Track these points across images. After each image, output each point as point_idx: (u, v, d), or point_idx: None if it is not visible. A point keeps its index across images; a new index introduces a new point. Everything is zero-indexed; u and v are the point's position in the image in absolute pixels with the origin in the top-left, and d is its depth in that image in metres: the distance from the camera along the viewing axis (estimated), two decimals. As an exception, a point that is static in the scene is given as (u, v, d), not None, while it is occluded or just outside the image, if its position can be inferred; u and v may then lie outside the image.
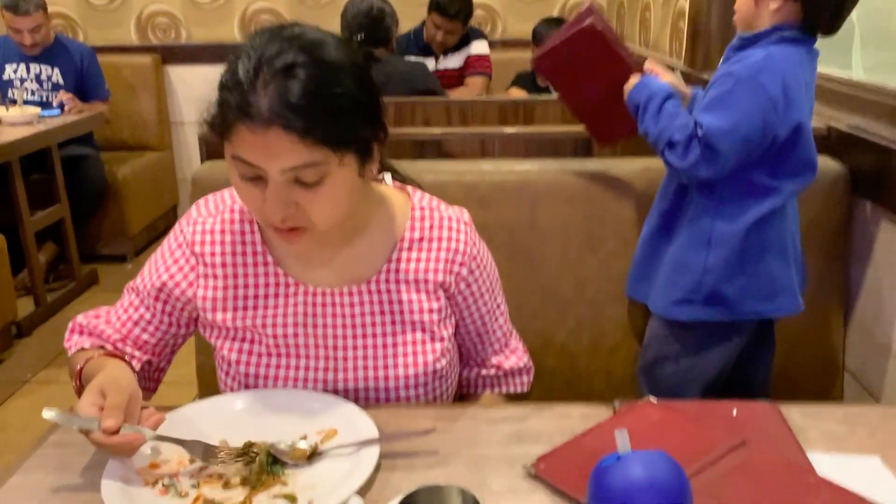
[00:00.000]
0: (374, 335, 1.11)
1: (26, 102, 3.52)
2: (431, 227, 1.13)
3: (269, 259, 1.11)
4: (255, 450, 0.94)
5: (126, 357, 1.08)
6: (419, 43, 3.71)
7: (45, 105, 3.58)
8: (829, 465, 0.92)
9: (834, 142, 1.67)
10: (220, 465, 0.92)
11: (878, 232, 1.57)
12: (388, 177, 1.21)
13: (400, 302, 1.11)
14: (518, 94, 3.55)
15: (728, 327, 1.44)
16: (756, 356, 1.52)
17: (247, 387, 1.11)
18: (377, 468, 0.91)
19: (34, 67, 3.66)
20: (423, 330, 1.12)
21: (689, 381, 1.46)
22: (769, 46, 1.33)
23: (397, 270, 1.11)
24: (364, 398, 1.11)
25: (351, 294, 1.10)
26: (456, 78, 3.73)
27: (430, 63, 3.62)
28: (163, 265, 1.12)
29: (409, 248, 1.12)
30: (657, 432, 0.99)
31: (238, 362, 1.11)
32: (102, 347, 1.09)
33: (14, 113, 3.31)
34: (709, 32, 2.55)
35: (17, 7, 3.44)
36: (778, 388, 1.58)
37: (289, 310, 1.10)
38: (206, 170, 1.55)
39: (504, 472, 0.93)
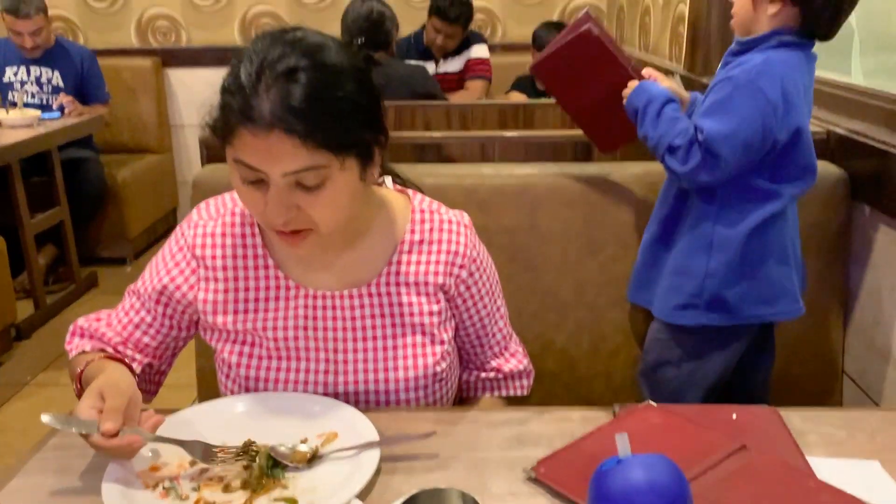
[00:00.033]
0: (375, 338, 1.11)
1: (26, 105, 3.52)
2: (431, 229, 1.13)
3: (270, 262, 1.11)
4: (255, 448, 0.94)
5: (127, 360, 1.08)
6: (419, 46, 3.72)
7: (45, 108, 3.58)
8: (829, 470, 0.92)
9: (833, 146, 1.67)
10: (219, 465, 0.93)
11: (877, 236, 1.57)
12: (388, 180, 1.21)
13: (400, 305, 1.12)
14: (518, 97, 3.56)
15: (729, 331, 1.44)
16: (756, 360, 1.52)
17: (247, 390, 1.11)
18: (377, 471, 0.91)
19: (34, 70, 3.66)
20: (424, 333, 1.12)
21: (690, 385, 1.46)
22: (767, 51, 1.33)
23: (397, 273, 1.12)
24: (364, 401, 1.11)
25: (351, 297, 1.11)
26: (456, 81, 3.74)
27: (431, 67, 3.63)
28: (164, 268, 1.12)
29: (410, 251, 1.12)
30: (657, 436, 0.99)
31: (238, 365, 1.11)
32: (103, 350, 1.09)
33: (14, 115, 3.32)
34: (708, 37, 2.56)
35: (17, 10, 3.45)
36: (777, 391, 1.58)
37: (289, 313, 1.10)
38: (207, 173, 1.55)
39: (504, 475, 0.93)
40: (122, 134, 4.21)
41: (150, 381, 1.18)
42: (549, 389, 1.55)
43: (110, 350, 1.11)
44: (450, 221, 1.15)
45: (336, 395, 1.09)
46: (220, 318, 1.11)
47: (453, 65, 3.74)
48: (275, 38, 0.95)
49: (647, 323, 1.55)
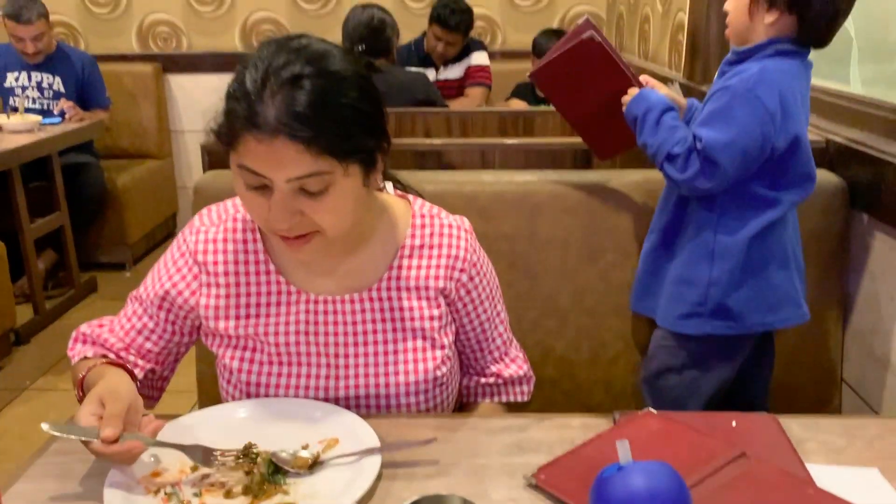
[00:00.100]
0: (376, 342, 1.12)
1: (27, 110, 3.53)
2: (432, 234, 1.14)
3: (271, 267, 1.11)
4: (255, 451, 0.95)
5: (129, 366, 1.08)
6: (420, 53, 3.73)
7: (46, 113, 3.59)
8: (828, 477, 0.92)
9: (832, 155, 1.68)
10: (220, 468, 0.93)
11: (875, 244, 1.58)
12: (389, 186, 1.22)
13: (401, 309, 1.12)
14: (518, 105, 3.57)
15: (734, 339, 1.44)
16: (756, 368, 1.53)
17: (248, 395, 1.11)
18: (378, 477, 0.92)
19: (35, 76, 3.67)
20: (424, 337, 1.13)
21: (692, 392, 1.47)
22: (764, 60, 1.34)
23: (398, 277, 1.12)
24: (365, 405, 1.12)
25: (352, 302, 1.11)
26: (456, 88, 3.75)
27: (431, 73, 3.64)
28: (165, 274, 1.13)
29: (410, 256, 1.13)
30: (657, 443, 1.00)
31: (240, 370, 1.11)
32: (105, 356, 1.10)
33: (15, 121, 3.32)
34: (707, 45, 2.57)
35: (19, 15, 3.45)
36: (776, 399, 1.58)
37: (290, 318, 1.10)
38: (209, 179, 1.56)
39: (504, 481, 0.93)
40: (122, 139, 4.21)
41: (152, 387, 1.18)
42: (548, 396, 1.56)
43: (112, 356, 1.11)
44: (450, 226, 1.15)
45: (337, 400, 1.10)
46: (221, 324, 1.11)
47: (453, 72, 3.76)
48: (280, 45, 0.96)
49: (647, 330, 1.55)
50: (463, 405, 1.29)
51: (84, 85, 3.76)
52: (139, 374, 1.11)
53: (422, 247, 1.14)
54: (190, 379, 1.50)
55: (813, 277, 1.52)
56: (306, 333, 1.11)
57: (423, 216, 1.15)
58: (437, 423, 1.07)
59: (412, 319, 1.12)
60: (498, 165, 1.87)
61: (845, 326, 1.66)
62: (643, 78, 1.50)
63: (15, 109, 3.49)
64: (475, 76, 3.74)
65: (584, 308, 1.59)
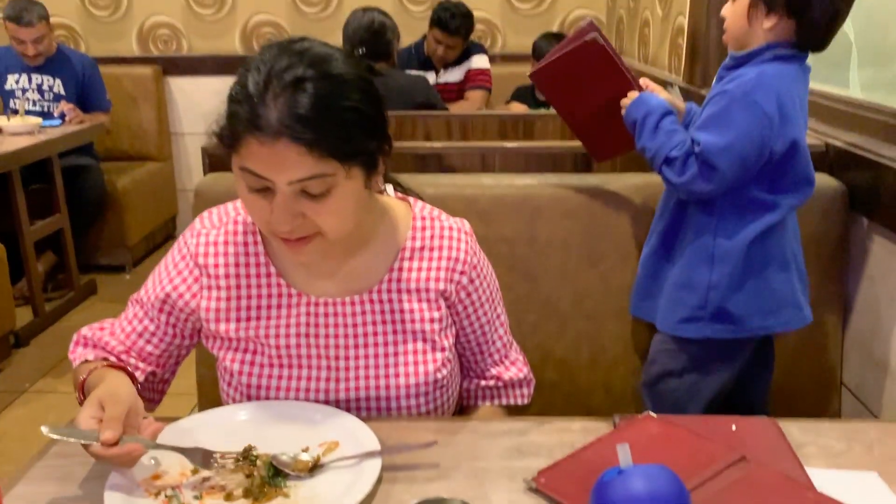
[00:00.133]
0: (376, 345, 1.12)
1: (28, 113, 3.53)
2: (432, 236, 1.14)
3: (272, 270, 1.12)
4: (255, 454, 0.95)
5: (130, 368, 1.08)
6: (420, 57, 3.73)
7: (46, 115, 3.59)
8: (828, 481, 0.92)
9: (832, 159, 1.69)
10: (220, 471, 0.93)
11: (875, 248, 1.58)
12: (389, 188, 1.22)
13: (401, 311, 1.12)
14: (519, 108, 3.57)
15: (734, 343, 1.45)
16: (756, 371, 1.53)
17: (249, 397, 1.11)
18: (379, 481, 0.92)
19: (36, 78, 3.67)
20: (425, 339, 1.13)
21: (692, 396, 1.47)
22: (762, 65, 1.34)
23: (399, 280, 1.12)
24: (366, 408, 1.12)
25: (353, 304, 1.11)
26: (456, 92, 3.75)
27: (431, 77, 3.65)
28: (166, 277, 1.13)
29: (411, 258, 1.13)
30: (657, 447, 1.00)
31: (240, 373, 1.11)
32: (106, 359, 1.10)
33: (15, 123, 3.32)
34: (707, 49, 2.57)
35: (20, 18, 3.46)
36: (776, 403, 1.58)
37: (291, 320, 1.11)
38: (209, 182, 1.56)
39: (505, 485, 0.93)
40: (122, 141, 4.22)
41: (153, 390, 1.19)
42: (548, 399, 1.56)
43: (113, 359, 1.11)
44: (450, 228, 1.16)
45: (337, 402, 1.10)
46: (222, 326, 1.11)
47: (454, 75, 3.76)
48: (282, 48, 0.96)
49: (647, 334, 1.55)
50: (463, 408, 1.29)
51: (84, 87, 3.76)
52: (140, 376, 1.11)
53: (422, 249, 1.14)
54: (190, 381, 1.50)
55: (813, 281, 1.52)
56: (307, 336, 1.11)
57: (423, 218, 1.16)
58: (438, 426, 1.07)
59: (413, 321, 1.13)
60: (498, 169, 1.88)
61: (845, 330, 1.67)
62: (643, 81, 1.50)
63: (15, 112, 3.49)
64: (475, 79, 3.75)
65: (584, 311, 1.59)
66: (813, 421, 1.08)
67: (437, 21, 3.57)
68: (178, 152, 4.49)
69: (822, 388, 1.66)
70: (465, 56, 3.75)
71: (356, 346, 1.12)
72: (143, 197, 4.03)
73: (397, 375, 1.12)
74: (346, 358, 1.11)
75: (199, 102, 4.35)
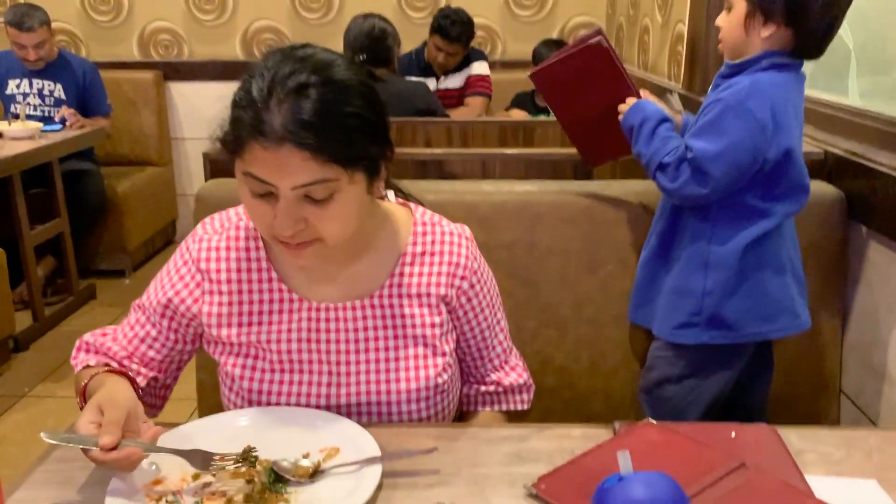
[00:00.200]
0: (377, 349, 1.12)
1: (28, 117, 3.54)
2: (433, 241, 1.15)
3: (274, 275, 1.12)
4: (255, 455, 0.95)
5: (131, 374, 1.09)
6: (420, 63, 3.74)
7: (47, 120, 3.60)
8: (827, 488, 0.92)
9: (830, 166, 1.69)
10: (219, 474, 0.93)
11: (874, 256, 1.59)
12: (391, 194, 1.23)
13: (402, 316, 1.13)
14: (519, 115, 3.58)
15: (730, 349, 1.45)
16: (755, 378, 1.53)
17: (250, 402, 1.12)
18: (379, 487, 0.92)
19: (37, 83, 3.68)
20: (426, 344, 1.13)
21: (690, 402, 1.47)
22: (756, 73, 1.35)
23: (400, 285, 1.13)
24: (367, 412, 1.12)
25: (354, 309, 1.12)
26: (456, 98, 3.76)
27: (431, 83, 3.65)
28: (168, 282, 1.13)
29: (412, 263, 1.14)
30: (657, 454, 1.00)
31: (241, 378, 1.12)
32: (108, 365, 1.10)
33: (16, 127, 3.33)
34: (707, 56, 2.58)
35: (21, 23, 3.47)
36: (775, 410, 1.58)
37: (293, 325, 1.11)
38: (211, 188, 1.56)
39: (505, 491, 0.94)
40: (122, 146, 4.22)
41: (155, 395, 1.19)
42: (548, 405, 1.56)
43: (115, 364, 1.11)
44: (451, 234, 1.16)
45: (338, 407, 1.10)
46: (223, 331, 1.11)
47: (454, 81, 3.77)
48: (285, 54, 0.97)
49: (646, 341, 1.56)
50: (463, 413, 1.29)
51: (85, 92, 3.77)
52: (142, 382, 1.12)
53: (423, 254, 1.14)
54: (189, 386, 1.50)
55: (811, 289, 1.52)
56: (308, 341, 1.11)
57: (424, 224, 1.16)
58: (438, 432, 1.08)
59: (413, 326, 1.13)
60: (498, 175, 1.88)
61: (844, 337, 1.67)
62: (642, 92, 1.51)
63: (16, 116, 3.50)
64: (475, 86, 3.76)
65: (584, 318, 1.60)
66: (812, 428, 1.08)
67: (438, 28, 3.58)
68: (179, 157, 4.49)
69: (821, 396, 1.66)
70: (465, 62, 3.76)
71: (357, 351, 1.12)
72: (143, 202, 4.03)
73: (398, 380, 1.12)
74: (348, 363, 1.12)
75: (200, 108, 4.36)
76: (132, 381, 1.05)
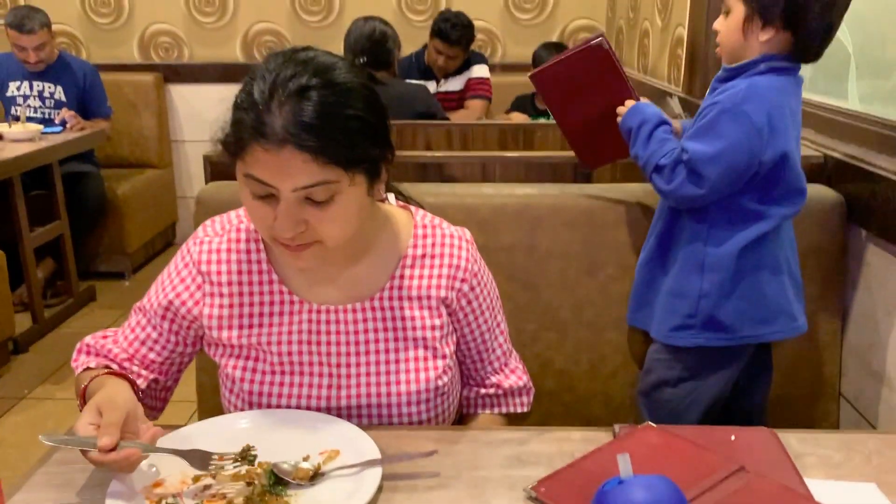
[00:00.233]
0: (377, 352, 1.13)
1: (29, 119, 3.54)
2: (434, 244, 1.15)
3: (275, 277, 1.12)
4: (254, 454, 0.95)
5: (132, 376, 1.09)
6: (421, 66, 3.75)
7: (47, 122, 3.60)
8: (826, 492, 0.93)
9: (830, 170, 1.69)
10: (219, 474, 0.93)
11: (873, 259, 1.59)
12: (391, 197, 1.23)
13: (403, 318, 1.13)
14: (519, 118, 3.59)
15: (727, 351, 1.45)
16: (754, 380, 1.54)
17: (250, 404, 1.12)
18: (379, 489, 0.92)
19: (37, 85, 3.68)
20: (426, 347, 1.14)
21: (688, 404, 1.47)
22: (753, 76, 1.35)
23: (400, 287, 1.13)
24: (367, 415, 1.12)
25: (354, 311, 1.12)
26: (456, 101, 3.77)
27: (432, 86, 3.66)
28: (169, 284, 1.13)
29: (412, 265, 1.14)
30: (657, 457, 1.00)
31: (242, 380, 1.12)
32: (108, 367, 1.10)
33: (16, 130, 3.33)
34: (706, 60, 2.59)
35: (21, 25, 3.47)
36: (775, 413, 1.58)
37: (293, 327, 1.11)
38: (212, 190, 1.56)
39: (505, 494, 0.94)
40: (122, 148, 4.23)
41: (156, 398, 1.19)
42: (547, 408, 1.56)
43: (115, 366, 1.11)
44: (451, 236, 1.17)
45: (339, 409, 1.10)
46: (224, 333, 1.12)
47: (454, 84, 3.77)
48: (287, 57, 0.97)
49: (645, 344, 1.56)
50: (462, 416, 1.29)
51: (85, 94, 3.77)
52: (142, 384, 1.12)
53: (423, 256, 1.15)
54: (189, 389, 1.51)
55: (810, 292, 1.53)
56: (308, 343, 1.11)
57: (424, 226, 1.17)
58: (438, 435, 1.08)
59: (414, 329, 1.13)
60: (498, 178, 1.88)
61: (843, 341, 1.67)
62: (643, 99, 1.52)
63: (16, 118, 3.50)
64: (475, 89, 3.76)
65: (584, 321, 1.60)
66: (811, 431, 1.08)
67: (438, 32, 3.59)
68: (179, 160, 4.50)
69: (821, 399, 1.66)
70: (465, 65, 3.76)
71: (357, 353, 1.12)
72: (143, 204, 4.04)
73: (398, 382, 1.12)
74: (348, 365, 1.12)
75: (200, 110, 4.36)
76: (132, 383, 1.05)
